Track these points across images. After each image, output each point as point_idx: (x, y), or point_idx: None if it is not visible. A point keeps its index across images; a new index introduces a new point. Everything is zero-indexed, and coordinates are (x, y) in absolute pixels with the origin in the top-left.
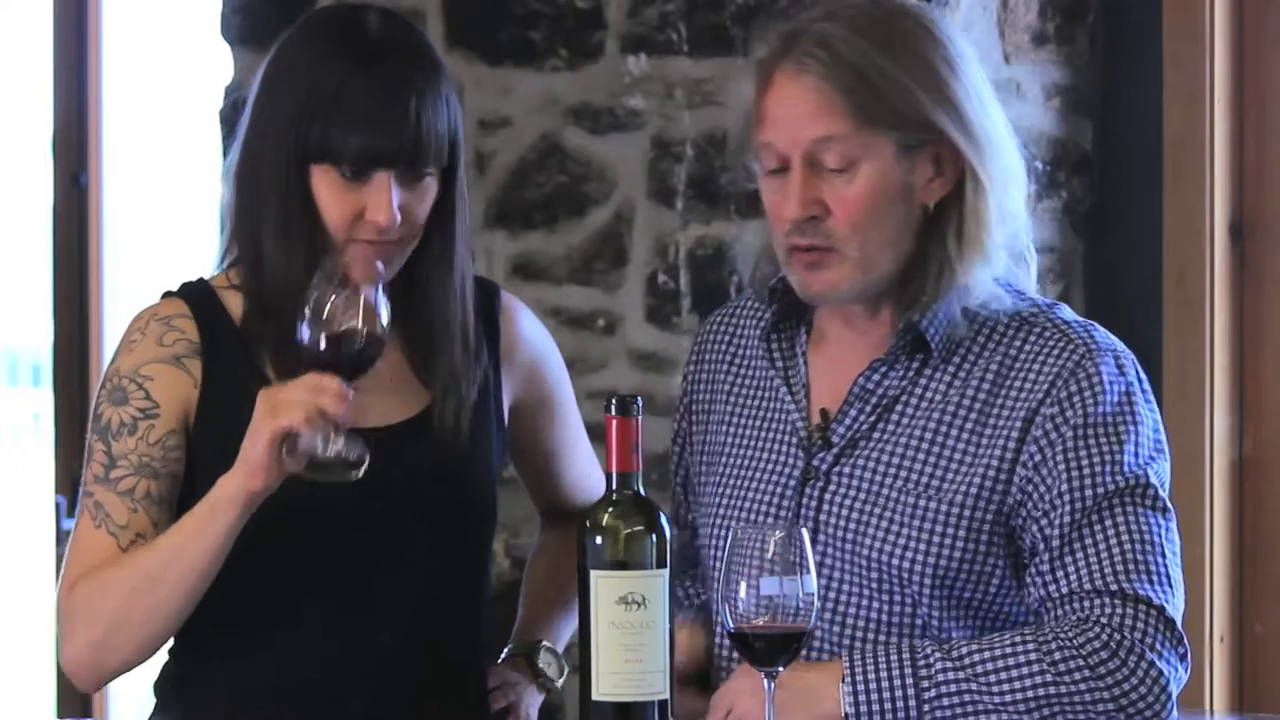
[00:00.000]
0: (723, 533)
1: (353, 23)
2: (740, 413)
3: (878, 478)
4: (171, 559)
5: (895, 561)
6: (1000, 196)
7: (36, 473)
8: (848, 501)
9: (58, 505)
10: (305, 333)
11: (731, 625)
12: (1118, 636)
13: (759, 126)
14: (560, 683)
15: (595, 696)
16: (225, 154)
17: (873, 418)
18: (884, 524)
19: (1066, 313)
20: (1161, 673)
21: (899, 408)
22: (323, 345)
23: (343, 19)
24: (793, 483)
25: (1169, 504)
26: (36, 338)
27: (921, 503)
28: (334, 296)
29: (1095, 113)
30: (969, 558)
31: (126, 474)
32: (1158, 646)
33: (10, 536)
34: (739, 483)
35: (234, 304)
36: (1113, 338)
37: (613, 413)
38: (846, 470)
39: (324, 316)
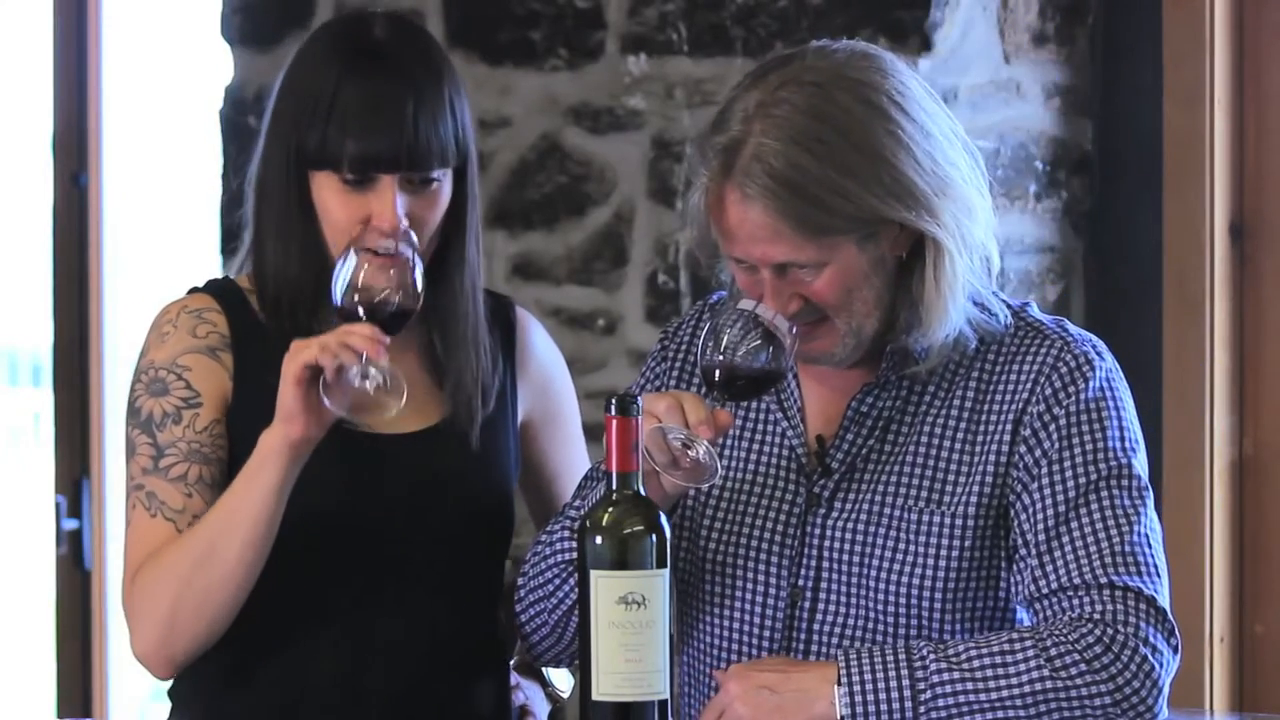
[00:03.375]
0: (716, 559)
1: (357, 29)
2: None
3: (879, 499)
4: (226, 523)
5: (904, 580)
6: (960, 246)
7: (36, 473)
8: (851, 525)
9: (58, 505)
10: (339, 296)
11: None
12: (1110, 631)
13: (722, 240)
14: (568, 693)
15: (595, 696)
16: (225, 155)
17: (870, 440)
18: (890, 544)
19: (1035, 310)
20: (1154, 666)
21: (894, 428)
22: (358, 308)
23: (348, 25)
24: (796, 510)
25: (1148, 490)
26: (36, 338)
27: (925, 518)
28: (367, 264)
29: (1095, 113)
30: (977, 566)
31: (176, 461)
32: (1149, 639)
33: (10, 536)
34: (735, 509)
35: (257, 304)
36: (1084, 331)
37: (612, 413)
38: (848, 495)
39: (359, 284)
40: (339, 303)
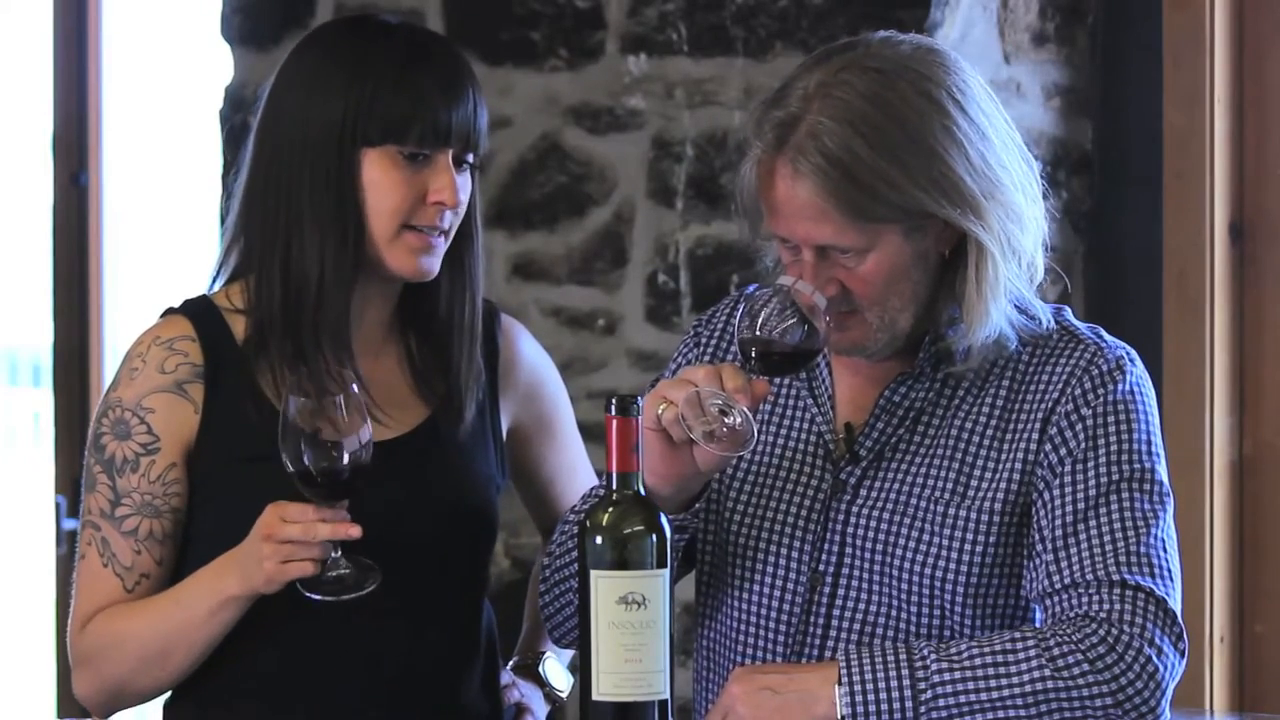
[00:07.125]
0: (739, 541)
1: (385, 26)
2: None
3: (905, 489)
4: (181, 637)
5: (928, 571)
6: (1005, 250)
7: (36, 473)
8: (876, 513)
9: (58, 505)
10: (294, 459)
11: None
12: (1115, 631)
13: (768, 217)
14: (566, 693)
15: (595, 696)
16: (225, 155)
17: (900, 430)
18: (914, 535)
19: (1071, 316)
20: (1157, 668)
21: (925, 420)
22: (317, 476)
23: (371, 24)
24: (821, 495)
25: (1169, 496)
26: (36, 338)
27: (951, 511)
28: (328, 424)
29: (1095, 113)
30: (1000, 562)
31: (130, 513)
32: (1155, 640)
33: (10, 536)
34: (761, 492)
35: (236, 324)
36: (1118, 340)
37: (613, 413)
38: (874, 483)
39: (320, 441)
40: (295, 467)
